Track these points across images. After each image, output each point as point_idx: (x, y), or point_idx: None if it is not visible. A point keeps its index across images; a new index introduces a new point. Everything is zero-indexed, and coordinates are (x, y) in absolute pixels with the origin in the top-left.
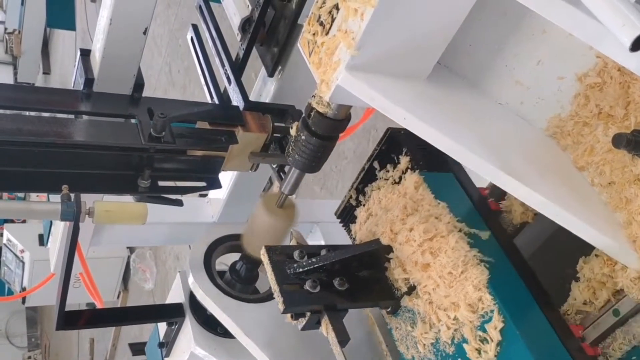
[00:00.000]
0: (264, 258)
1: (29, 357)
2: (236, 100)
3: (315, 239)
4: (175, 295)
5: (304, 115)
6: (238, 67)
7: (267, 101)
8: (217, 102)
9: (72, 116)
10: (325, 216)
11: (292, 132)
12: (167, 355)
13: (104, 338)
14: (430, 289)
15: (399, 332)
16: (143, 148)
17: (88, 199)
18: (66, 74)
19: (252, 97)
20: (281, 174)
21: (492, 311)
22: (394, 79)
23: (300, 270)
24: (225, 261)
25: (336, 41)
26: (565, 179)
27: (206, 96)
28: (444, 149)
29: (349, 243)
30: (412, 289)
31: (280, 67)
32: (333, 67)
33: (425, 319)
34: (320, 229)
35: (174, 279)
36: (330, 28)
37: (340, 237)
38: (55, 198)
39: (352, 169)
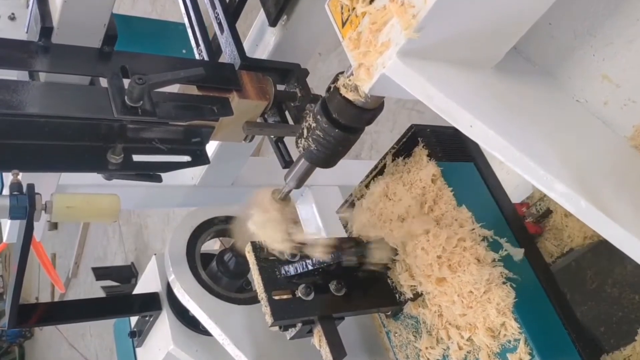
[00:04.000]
0: (250, 256)
1: None
2: (229, 54)
3: (305, 204)
4: (149, 282)
5: (324, 97)
6: (233, 11)
7: (264, 57)
8: (205, 57)
9: (24, 74)
10: (316, 179)
11: (308, 118)
12: (140, 345)
13: (67, 255)
14: (442, 302)
15: (398, 339)
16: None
17: (44, 187)
18: None
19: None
20: (279, 144)
21: (517, 340)
22: (457, 68)
23: (293, 273)
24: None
25: (387, 15)
26: None
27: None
28: (519, 169)
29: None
30: (417, 296)
31: (285, 15)
32: (379, 50)
33: (432, 332)
34: (312, 192)
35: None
36: None
37: (334, 202)
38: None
39: None
